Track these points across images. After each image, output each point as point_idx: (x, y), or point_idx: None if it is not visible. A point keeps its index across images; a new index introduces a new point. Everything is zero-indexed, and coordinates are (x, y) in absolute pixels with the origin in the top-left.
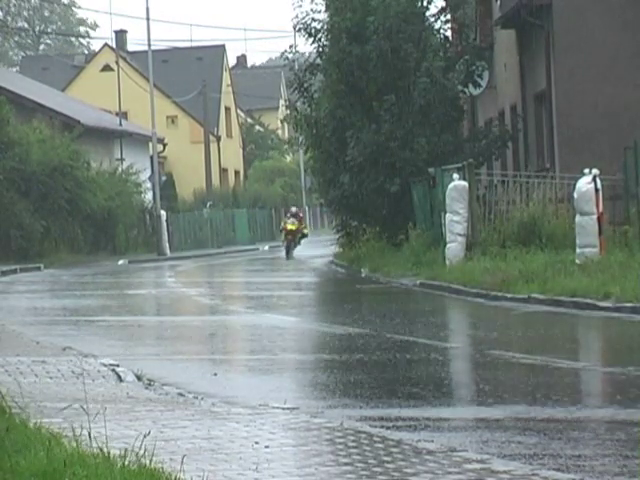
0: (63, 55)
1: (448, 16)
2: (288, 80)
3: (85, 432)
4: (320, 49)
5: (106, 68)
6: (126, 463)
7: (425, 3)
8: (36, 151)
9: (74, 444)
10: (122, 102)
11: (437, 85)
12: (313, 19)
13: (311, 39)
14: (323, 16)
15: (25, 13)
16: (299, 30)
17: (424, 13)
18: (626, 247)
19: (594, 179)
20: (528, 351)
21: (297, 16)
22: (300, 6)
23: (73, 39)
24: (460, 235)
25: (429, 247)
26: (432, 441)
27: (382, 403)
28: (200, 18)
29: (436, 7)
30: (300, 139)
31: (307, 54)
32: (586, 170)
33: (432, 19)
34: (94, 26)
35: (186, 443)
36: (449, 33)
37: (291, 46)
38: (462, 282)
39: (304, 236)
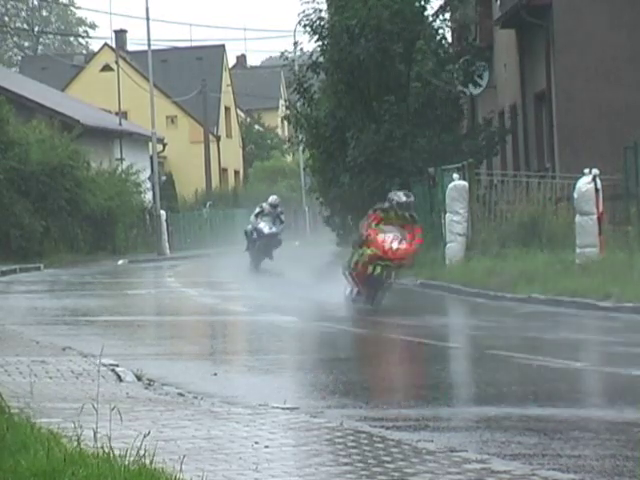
0: (63, 55)
1: (447, 15)
2: (288, 80)
3: (84, 432)
4: (323, 47)
5: (106, 68)
6: (126, 463)
7: (423, 3)
8: (36, 151)
9: (74, 444)
10: (122, 102)
11: (430, 87)
12: (319, 17)
13: (316, 36)
14: (326, 15)
15: (23, 13)
16: (304, 26)
17: (422, 13)
18: (626, 247)
19: (594, 179)
20: (528, 351)
21: (304, 11)
22: (307, 2)
23: (72, 39)
24: (460, 235)
25: (429, 247)
26: (432, 441)
27: (382, 403)
28: (200, 18)
29: (432, 8)
30: (300, 137)
31: (308, 53)
32: (586, 170)
33: (431, 19)
34: (93, 26)
35: (186, 443)
36: (448, 33)
37: (295, 43)
38: (462, 282)
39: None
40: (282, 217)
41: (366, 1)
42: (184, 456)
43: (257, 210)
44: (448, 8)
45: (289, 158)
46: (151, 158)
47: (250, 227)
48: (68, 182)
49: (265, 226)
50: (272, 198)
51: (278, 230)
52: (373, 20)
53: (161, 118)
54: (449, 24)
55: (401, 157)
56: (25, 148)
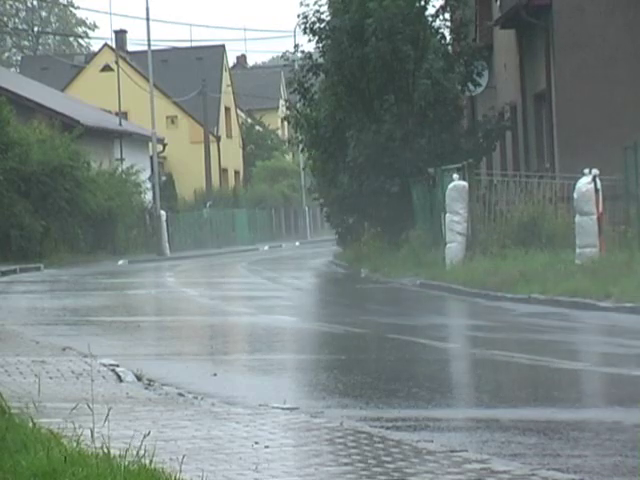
0: (63, 55)
1: (447, 15)
2: (288, 80)
3: (84, 432)
4: (323, 49)
5: (106, 68)
6: (126, 463)
7: (423, 3)
8: (36, 151)
9: (74, 444)
10: (122, 102)
11: (437, 86)
12: (318, 19)
13: (315, 38)
14: (326, 16)
15: (22, 14)
16: (304, 29)
17: (423, 13)
18: (626, 247)
19: (594, 179)
20: (528, 351)
21: (302, 13)
22: (307, 5)
23: (72, 40)
24: (460, 235)
25: (429, 247)
26: (432, 441)
27: (382, 403)
28: (200, 18)
29: (434, 7)
30: (300, 138)
31: (309, 54)
32: (586, 170)
33: (431, 19)
34: (93, 27)
35: (186, 443)
36: (448, 33)
37: (296, 46)
38: (462, 282)
39: None
40: None
41: (365, 4)
42: (184, 456)
43: None
44: (448, 9)
45: (289, 157)
46: (151, 158)
47: None
48: (68, 182)
49: None
50: None
51: None
52: (387, 21)
53: (161, 118)
54: (448, 24)
55: (401, 157)
56: (25, 148)
